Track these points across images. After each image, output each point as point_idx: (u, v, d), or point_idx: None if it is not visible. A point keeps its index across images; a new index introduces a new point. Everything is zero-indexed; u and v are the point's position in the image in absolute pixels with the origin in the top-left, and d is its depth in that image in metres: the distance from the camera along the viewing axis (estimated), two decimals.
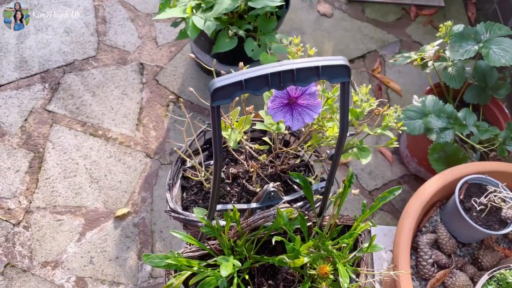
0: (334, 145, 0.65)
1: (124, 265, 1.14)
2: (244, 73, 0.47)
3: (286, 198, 0.71)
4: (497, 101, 1.27)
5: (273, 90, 0.59)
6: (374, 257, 1.20)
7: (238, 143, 0.76)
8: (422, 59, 1.23)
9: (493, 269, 0.76)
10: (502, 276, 0.73)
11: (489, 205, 0.87)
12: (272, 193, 0.69)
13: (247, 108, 0.67)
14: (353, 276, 0.66)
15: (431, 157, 1.10)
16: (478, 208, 0.87)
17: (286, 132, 0.79)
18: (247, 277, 0.69)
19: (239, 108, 0.66)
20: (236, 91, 0.48)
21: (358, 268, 0.70)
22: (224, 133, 0.66)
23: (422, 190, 0.92)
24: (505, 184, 0.89)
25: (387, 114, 0.79)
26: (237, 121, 0.70)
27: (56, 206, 1.20)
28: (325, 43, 1.60)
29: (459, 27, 1.19)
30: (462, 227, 0.89)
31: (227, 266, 0.61)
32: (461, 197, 0.89)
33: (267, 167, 0.90)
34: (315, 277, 0.65)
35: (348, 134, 0.59)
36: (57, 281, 1.10)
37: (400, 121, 1.16)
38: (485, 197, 0.88)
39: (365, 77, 1.55)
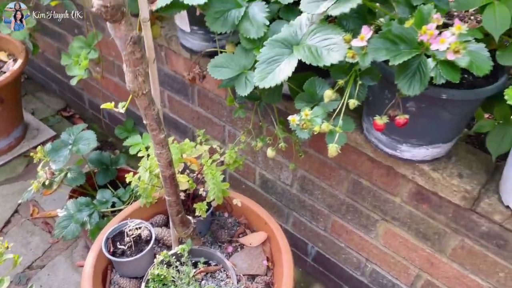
0: None
1: None
2: None
3: None
4: (124, 169, 1.58)
5: None
6: None
7: None
8: None
9: (147, 272, 0.96)
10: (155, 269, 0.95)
11: (131, 239, 1.09)
12: None
13: None
14: None
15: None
16: (127, 247, 1.09)
17: None
18: None
19: None
20: None
21: None
22: None
23: (84, 270, 1.06)
24: (129, 219, 1.14)
25: None
26: None
27: None
28: None
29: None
30: (131, 266, 1.08)
31: None
32: (112, 250, 1.09)
33: None
34: None
35: None
36: None
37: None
38: (127, 236, 1.10)
39: (29, 224, 1.64)
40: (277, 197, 1.38)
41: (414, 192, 0.98)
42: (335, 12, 0.70)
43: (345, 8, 0.69)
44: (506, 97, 0.56)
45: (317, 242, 1.36)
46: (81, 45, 1.41)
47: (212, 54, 0.98)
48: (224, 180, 1.52)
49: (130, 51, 0.66)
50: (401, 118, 0.74)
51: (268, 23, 0.84)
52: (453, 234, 0.97)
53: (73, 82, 1.37)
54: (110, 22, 0.62)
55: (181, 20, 1.10)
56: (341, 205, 1.19)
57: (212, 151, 1.17)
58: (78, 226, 1.32)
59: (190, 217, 1.02)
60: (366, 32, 0.65)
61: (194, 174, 1.16)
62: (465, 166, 0.90)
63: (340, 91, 0.79)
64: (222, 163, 1.17)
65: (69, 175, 1.43)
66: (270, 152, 1.02)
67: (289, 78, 0.75)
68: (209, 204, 1.12)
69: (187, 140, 1.14)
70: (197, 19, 0.99)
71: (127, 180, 1.12)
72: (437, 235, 1.00)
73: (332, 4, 0.71)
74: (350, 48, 0.70)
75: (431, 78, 0.68)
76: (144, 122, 0.77)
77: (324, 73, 0.85)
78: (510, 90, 0.56)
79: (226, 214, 1.26)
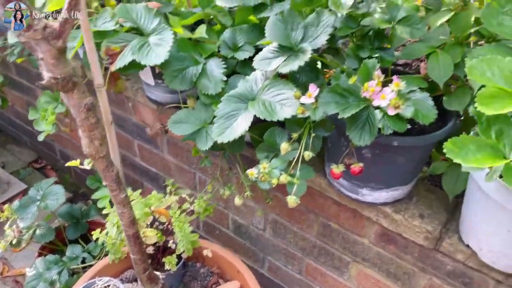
0: None
1: None
2: None
3: None
4: (96, 221, 1.55)
5: None
6: None
7: None
8: None
9: None
10: None
11: None
12: None
13: None
14: None
15: None
16: None
17: None
18: None
19: None
20: None
21: None
22: None
23: None
24: (97, 278, 1.11)
25: None
26: None
27: None
28: None
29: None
30: None
31: None
32: None
33: None
34: None
35: None
36: None
37: None
38: None
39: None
40: (252, 241, 1.37)
41: (380, 234, 0.99)
42: (284, 70, 0.73)
43: (294, 66, 0.72)
44: (444, 150, 0.58)
45: (293, 286, 1.35)
46: (48, 100, 1.41)
47: (178, 106, 0.99)
48: (197, 227, 1.51)
49: (84, 117, 0.66)
50: (356, 167, 0.76)
51: (225, 78, 0.87)
52: (421, 273, 0.97)
53: (41, 137, 1.36)
54: (62, 92, 0.63)
55: (145, 74, 1.12)
56: (313, 248, 1.19)
57: (182, 200, 1.17)
58: (47, 285, 1.27)
59: (158, 273, 1.00)
60: (313, 90, 0.68)
61: (164, 225, 1.15)
62: (425, 206, 0.92)
63: (299, 141, 0.81)
64: (192, 212, 1.17)
65: (37, 231, 1.39)
66: (238, 201, 1.03)
67: (250, 128, 0.77)
68: (179, 256, 1.11)
69: (154, 193, 1.14)
70: (160, 73, 1.01)
71: (94, 237, 1.10)
72: (407, 275, 1.01)
73: (282, 62, 0.75)
74: (302, 104, 0.72)
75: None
76: (104, 183, 0.77)
77: (284, 123, 0.87)
78: (449, 143, 0.58)
79: (198, 265, 1.24)
